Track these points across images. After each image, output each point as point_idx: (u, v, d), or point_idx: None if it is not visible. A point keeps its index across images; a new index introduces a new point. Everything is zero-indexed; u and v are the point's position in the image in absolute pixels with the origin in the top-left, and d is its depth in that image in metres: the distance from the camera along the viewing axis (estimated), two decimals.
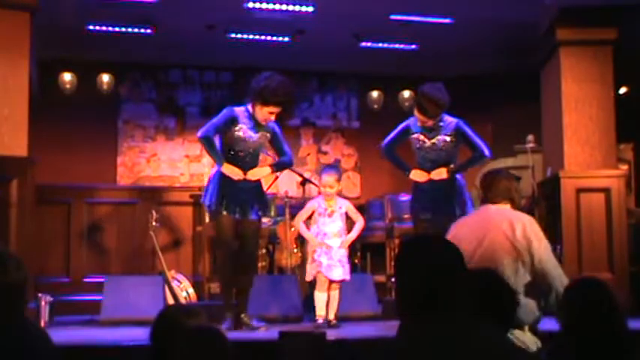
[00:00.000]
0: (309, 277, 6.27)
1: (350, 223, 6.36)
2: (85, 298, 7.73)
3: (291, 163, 6.34)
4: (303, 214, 6.33)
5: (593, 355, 2.87)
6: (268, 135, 6.02)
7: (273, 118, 5.89)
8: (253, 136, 5.90)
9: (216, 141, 5.91)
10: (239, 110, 5.92)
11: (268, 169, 6.04)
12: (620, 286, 6.85)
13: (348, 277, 6.17)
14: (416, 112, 6.06)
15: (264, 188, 6.22)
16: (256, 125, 5.92)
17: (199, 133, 5.90)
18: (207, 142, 5.85)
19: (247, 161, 5.92)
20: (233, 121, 5.86)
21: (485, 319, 2.51)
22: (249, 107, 5.92)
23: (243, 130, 5.86)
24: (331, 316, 6.12)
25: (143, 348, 4.56)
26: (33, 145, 6.76)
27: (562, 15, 7.51)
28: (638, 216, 8.87)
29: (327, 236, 6.14)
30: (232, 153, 5.89)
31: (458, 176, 6.17)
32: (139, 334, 5.06)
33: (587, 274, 6.95)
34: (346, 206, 6.29)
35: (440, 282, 2.24)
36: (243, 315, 5.93)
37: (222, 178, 5.88)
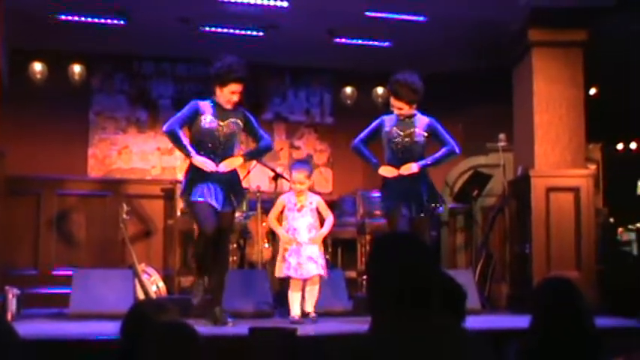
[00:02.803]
0: (278, 274, 6.26)
1: (322, 218, 6.35)
2: (53, 290, 7.68)
3: (268, 147, 6.26)
4: (274, 211, 6.33)
5: (560, 353, 2.90)
6: (240, 122, 5.99)
7: (235, 98, 5.87)
8: (221, 124, 5.88)
9: (184, 135, 5.90)
10: (203, 103, 5.94)
11: (240, 159, 6.00)
12: (588, 284, 6.92)
13: (322, 271, 6.13)
14: (392, 100, 6.07)
15: (240, 180, 6.17)
16: (223, 114, 5.91)
17: (165, 128, 5.90)
18: (173, 135, 5.84)
19: (220, 153, 5.90)
20: (197, 112, 5.86)
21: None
22: (213, 98, 5.93)
23: (209, 120, 5.85)
24: (309, 309, 6.11)
25: (112, 342, 4.54)
26: (2, 136, 6.70)
27: (534, 16, 7.58)
28: (605, 215, 9.00)
29: (296, 231, 6.13)
30: (203, 146, 5.87)
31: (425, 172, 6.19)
32: (108, 328, 5.02)
33: (556, 273, 7.04)
34: (317, 202, 6.28)
35: (412, 280, 2.25)
36: (217, 309, 5.90)
37: (195, 170, 5.86)
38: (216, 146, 5.90)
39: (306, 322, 6.00)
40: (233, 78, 5.82)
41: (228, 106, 5.90)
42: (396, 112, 6.08)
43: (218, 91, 5.89)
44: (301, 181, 6.16)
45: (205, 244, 5.87)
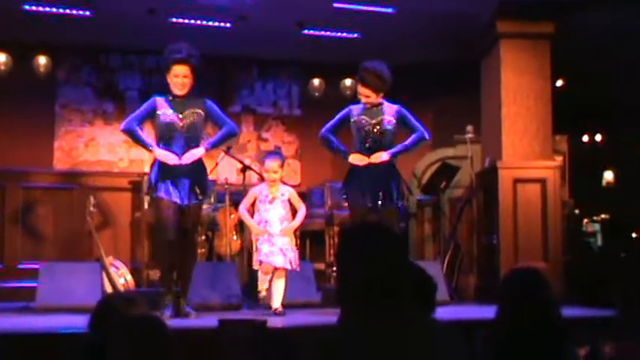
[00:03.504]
0: (255, 266, 6.21)
1: (294, 210, 6.33)
2: (19, 284, 7.59)
3: (231, 132, 6.12)
4: (246, 202, 6.31)
5: (527, 344, 2.92)
6: (201, 112, 5.94)
7: (181, 81, 5.79)
8: (179, 117, 5.83)
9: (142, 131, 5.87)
10: (160, 99, 5.92)
11: (202, 150, 5.91)
12: (555, 275, 6.99)
13: (289, 265, 6.09)
14: (359, 88, 6.07)
15: (206, 170, 6.10)
16: (180, 106, 5.86)
17: (121, 126, 5.92)
18: (130, 133, 5.85)
19: (180, 144, 5.86)
20: (154, 109, 5.85)
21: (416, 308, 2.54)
22: (168, 89, 5.89)
23: (165, 114, 5.82)
24: (276, 305, 6.08)
25: (79, 336, 4.50)
26: None
27: (502, 8, 7.63)
28: (571, 207, 9.09)
29: (268, 223, 6.12)
30: (166, 140, 5.84)
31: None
32: (75, 322, 4.99)
33: (523, 263, 7.10)
34: (289, 193, 6.26)
35: (380, 271, 2.25)
36: (181, 300, 5.89)
37: (160, 164, 5.83)
38: (176, 139, 5.86)
39: (275, 315, 5.99)
40: (173, 59, 5.78)
41: (177, 91, 5.83)
42: (363, 100, 6.08)
43: (167, 79, 5.87)
44: (275, 169, 6.14)
45: (164, 244, 5.89)
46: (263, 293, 6.11)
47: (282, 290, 6.14)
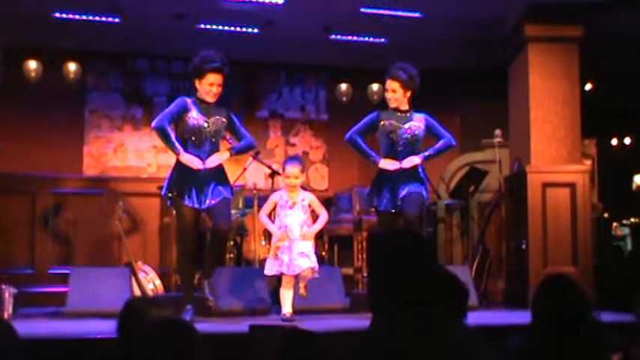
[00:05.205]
0: (268, 272, 6.17)
1: (316, 216, 6.31)
2: (50, 289, 7.67)
3: (251, 145, 6.20)
4: (266, 208, 6.27)
5: (562, 351, 2.89)
6: (224, 120, 5.97)
7: (215, 90, 5.83)
8: (206, 121, 5.85)
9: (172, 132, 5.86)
10: (189, 100, 5.92)
11: (227, 154, 5.92)
12: (584, 279, 6.93)
13: (314, 264, 6.01)
14: (387, 83, 6.09)
15: (227, 174, 6.08)
16: (208, 111, 5.88)
17: (153, 124, 5.82)
18: (162, 132, 5.77)
19: (206, 149, 5.88)
20: (185, 109, 5.84)
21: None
22: (196, 95, 5.92)
23: (194, 117, 5.83)
24: (287, 310, 5.99)
25: (109, 340, 4.53)
26: None
27: (530, 11, 7.59)
28: (600, 211, 9.01)
29: (288, 228, 6.08)
30: (190, 143, 5.85)
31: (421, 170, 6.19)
32: (105, 327, 5.02)
33: (552, 268, 7.05)
34: (310, 199, 6.21)
35: (411, 278, 2.25)
36: (207, 281, 5.88)
37: (181, 168, 5.82)
38: (203, 143, 5.87)
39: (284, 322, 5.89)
40: (209, 68, 5.80)
41: (209, 99, 5.86)
42: (390, 95, 6.09)
43: (198, 84, 5.88)
44: (296, 174, 6.12)
45: (185, 250, 5.89)
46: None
47: (292, 296, 6.07)
